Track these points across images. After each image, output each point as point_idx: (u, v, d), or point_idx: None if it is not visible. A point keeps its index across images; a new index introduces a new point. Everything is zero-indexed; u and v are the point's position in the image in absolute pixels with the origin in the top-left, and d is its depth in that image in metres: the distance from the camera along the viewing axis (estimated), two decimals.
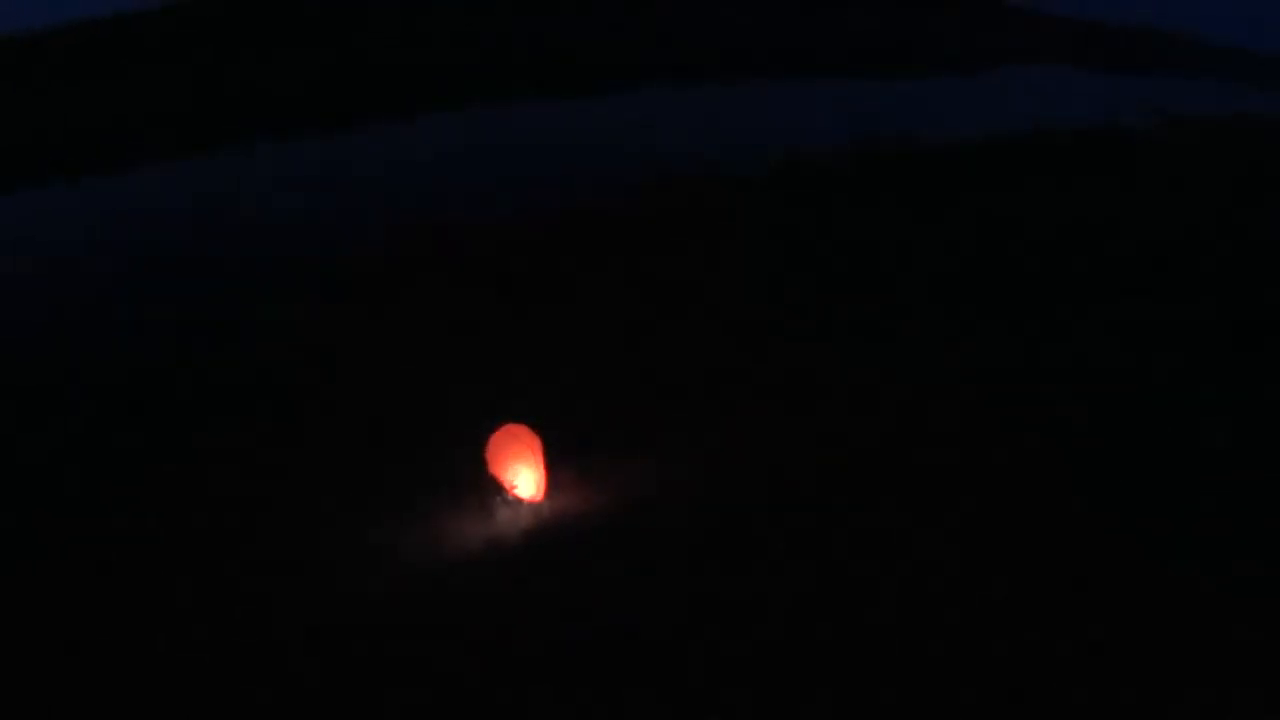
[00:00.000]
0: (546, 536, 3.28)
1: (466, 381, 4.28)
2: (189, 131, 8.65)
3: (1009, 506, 3.40)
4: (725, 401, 4.06)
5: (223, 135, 8.54)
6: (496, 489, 3.45)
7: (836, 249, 5.53)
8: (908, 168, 7.11)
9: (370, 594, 3.06)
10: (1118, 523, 3.22)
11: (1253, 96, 10.01)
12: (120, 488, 3.70)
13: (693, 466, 3.62)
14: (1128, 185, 6.80)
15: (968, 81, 10.43)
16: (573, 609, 2.96)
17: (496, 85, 9.87)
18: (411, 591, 3.07)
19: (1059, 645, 2.75)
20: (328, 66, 10.19)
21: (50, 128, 8.75)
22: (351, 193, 6.95)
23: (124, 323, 5.12)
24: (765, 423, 3.90)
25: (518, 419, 3.66)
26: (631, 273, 5.33)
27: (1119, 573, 3.01)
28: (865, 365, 4.31)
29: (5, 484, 3.79)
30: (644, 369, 4.32)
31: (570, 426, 3.83)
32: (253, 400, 4.26)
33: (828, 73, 10.70)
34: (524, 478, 3.40)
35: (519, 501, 3.39)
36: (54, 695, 2.77)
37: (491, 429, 3.52)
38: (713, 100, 9.55)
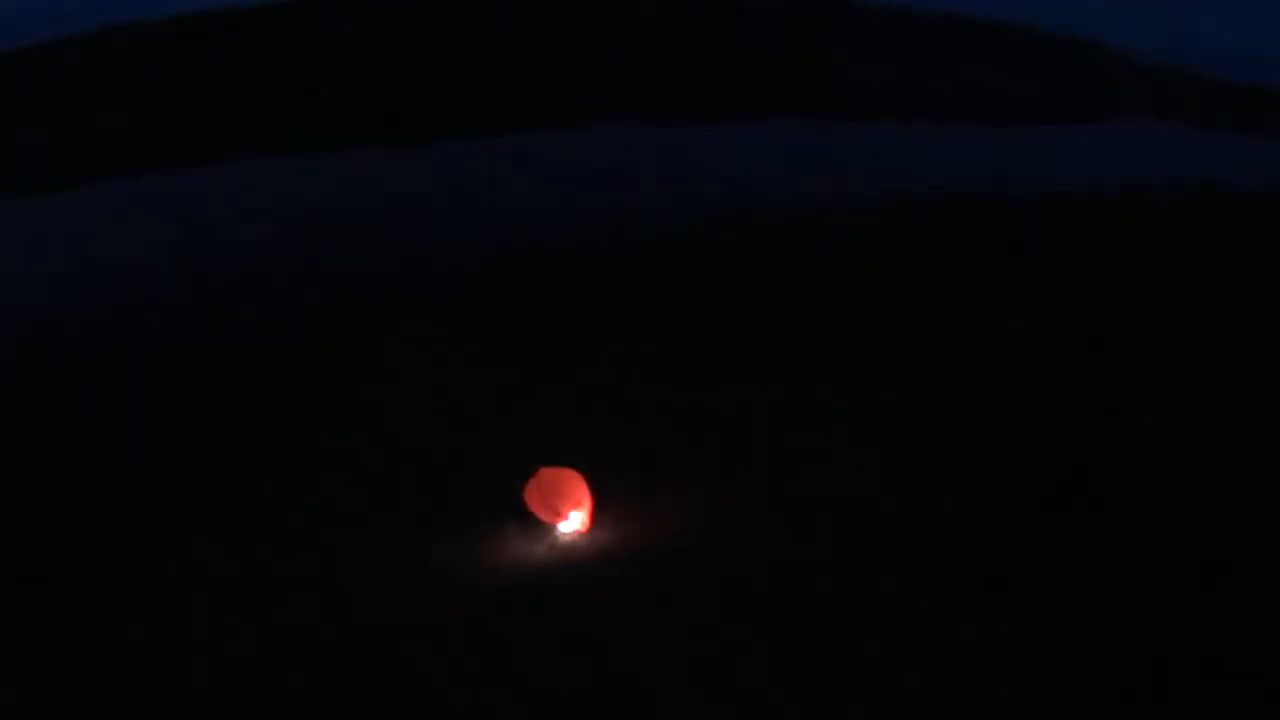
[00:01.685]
0: (593, 566, 3.27)
1: (509, 413, 4.25)
2: (204, 144, 8.91)
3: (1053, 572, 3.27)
4: (769, 436, 4.01)
5: (235, 149, 8.76)
6: (541, 524, 3.44)
7: (897, 299, 5.42)
8: (993, 222, 6.95)
9: (408, 616, 3.07)
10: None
11: None
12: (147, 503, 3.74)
13: (743, 506, 3.58)
14: (1226, 251, 6.53)
15: (1048, 135, 10.16)
16: (617, 633, 2.95)
17: (517, 112, 9.94)
18: (451, 617, 3.07)
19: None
20: (356, 83, 10.41)
21: (67, 136, 9.09)
22: (399, 212, 7.03)
23: (162, 330, 5.20)
24: (806, 458, 3.85)
25: (561, 452, 3.66)
26: (670, 307, 5.28)
27: None
28: (915, 411, 4.19)
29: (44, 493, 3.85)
30: (685, 402, 4.28)
31: (613, 461, 3.80)
32: (276, 419, 4.29)
33: (901, 122, 10.52)
34: (569, 512, 3.39)
35: (564, 535, 3.38)
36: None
37: (533, 466, 3.49)
38: (788, 140, 9.48)
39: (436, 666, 2.92)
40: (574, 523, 3.28)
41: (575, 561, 3.25)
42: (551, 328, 4.99)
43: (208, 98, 9.46)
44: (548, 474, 3.34)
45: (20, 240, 6.76)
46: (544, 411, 4.18)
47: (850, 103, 10.79)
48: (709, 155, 8.33)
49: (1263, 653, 2.98)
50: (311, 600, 3.18)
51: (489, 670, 2.89)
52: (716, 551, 3.32)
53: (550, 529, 3.30)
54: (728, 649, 2.97)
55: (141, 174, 7.87)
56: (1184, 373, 4.65)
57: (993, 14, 12.48)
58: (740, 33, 12.61)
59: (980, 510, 3.57)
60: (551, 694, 2.81)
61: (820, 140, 9.32)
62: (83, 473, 3.96)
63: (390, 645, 2.95)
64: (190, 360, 4.85)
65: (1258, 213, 7.22)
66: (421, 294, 5.53)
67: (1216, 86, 12.39)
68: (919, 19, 12.67)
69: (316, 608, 3.15)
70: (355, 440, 3.99)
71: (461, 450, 3.91)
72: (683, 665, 2.90)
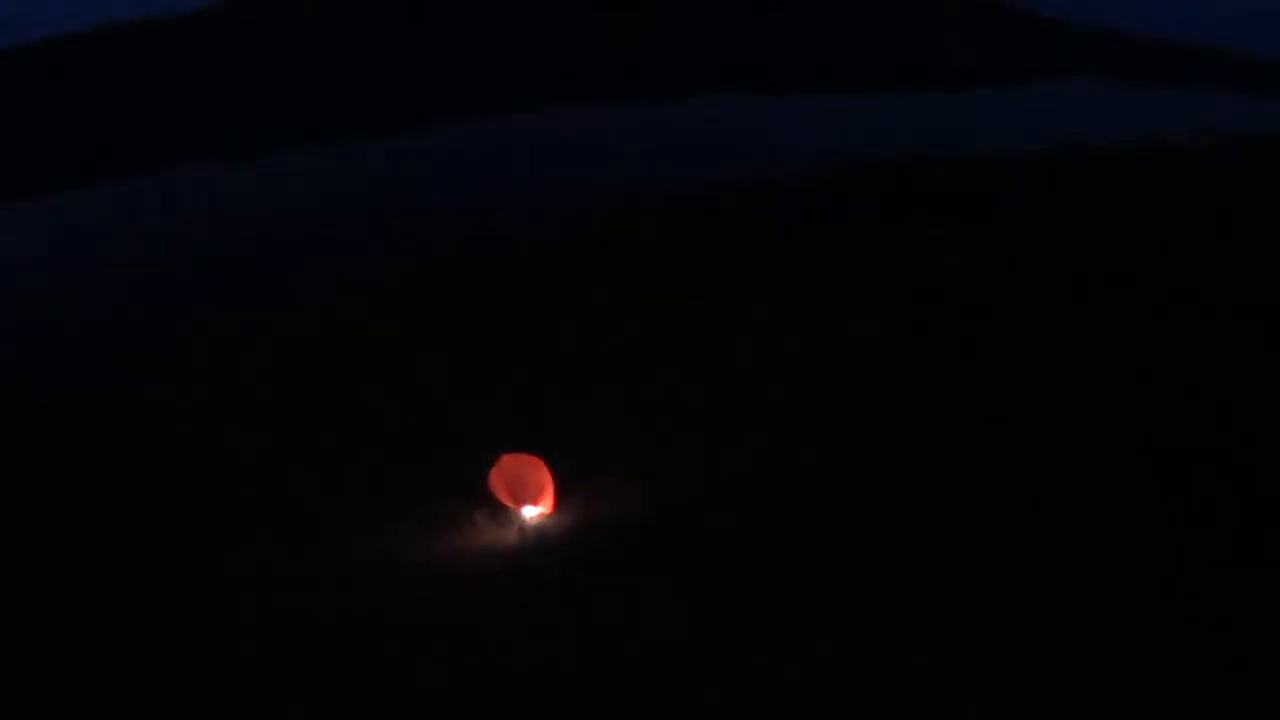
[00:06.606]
0: (556, 551, 3.34)
1: (471, 401, 4.30)
2: (200, 137, 8.72)
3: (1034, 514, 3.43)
4: (732, 417, 4.10)
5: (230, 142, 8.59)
6: (505, 510, 3.52)
7: (854, 267, 5.53)
8: (936, 185, 7.04)
9: (384, 608, 3.13)
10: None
11: None
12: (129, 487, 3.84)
13: (697, 482, 3.67)
14: (1167, 203, 6.67)
15: (999, 96, 10.22)
16: (580, 616, 3.03)
17: (492, 92, 9.79)
18: (421, 602, 3.13)
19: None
20: (331, 76, 10.20)
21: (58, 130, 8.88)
22: (365, 203, 7.00)
23: (145, 319, 5.23)
24: (768, 439, 3.94)
25: (522, 438, 3.71)
26: (638, 287, 5.35)
27: None
28: (873, 383, 4.31)
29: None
30: (648, 387, 4.35)
31: (576, 446, 3.87)
32: (257, 407, 4.33)
33: (855, 88, 10.51)
34: (533, 497, 3.47)
35: (529, 521, 3.47)
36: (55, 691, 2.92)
37: (495, 454, 3.57)
38: (728, 116, 9.42)
39: (420, 656, 2.98)
40: (539, 507, 3.36)
41: (545, 543, 3.33)
42: (507, 316, 5.04)
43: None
44: (510, 461, 3.42)
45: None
46: (502, 400, 4.25)
47: (806, 71, 10.81)
48: (646, 134, 8.32)
49: None
50: (286, 592, 3.23)
51: (471, 655, 2.95)
52: (678, 524, 3.43)
53: (516, 514, 3.38)
54: (699, 611, 3.07)
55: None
56: (1137, 322, 4.80)
57: None
58: (678, 4, 12.51)
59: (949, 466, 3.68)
60: (535, 670, 2.87)
61: (779, 110, 9.35)
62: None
63: (373, 637, 3.01)
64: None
65: (1199, 164, 7.39)
66: (382, 286, 5.54)
67: (1158, 46, 12.42)
68: None
69: (292, 600, 3.20)
70: (321, 435, 4.04)
71: (423, 443, 3.97)
72: (658, 631, 2.99)
